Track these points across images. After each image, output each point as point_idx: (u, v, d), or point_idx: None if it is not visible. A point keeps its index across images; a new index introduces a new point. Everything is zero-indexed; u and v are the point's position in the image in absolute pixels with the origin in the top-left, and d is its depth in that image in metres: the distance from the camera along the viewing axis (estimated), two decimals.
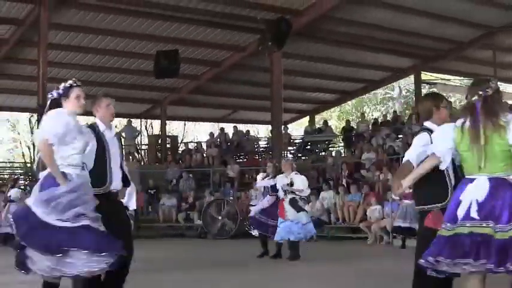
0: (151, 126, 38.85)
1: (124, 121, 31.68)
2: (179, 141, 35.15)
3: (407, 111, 31.87)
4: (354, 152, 25.21)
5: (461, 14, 23.91)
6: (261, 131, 39.01)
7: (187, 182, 24.66)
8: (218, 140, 29.56)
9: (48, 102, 6.18)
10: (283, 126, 26.79)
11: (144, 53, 24.38)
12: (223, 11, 21.98)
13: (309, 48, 25.85)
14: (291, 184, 12.67)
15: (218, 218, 20.88)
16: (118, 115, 32.37)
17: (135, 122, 31.06)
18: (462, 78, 33.40)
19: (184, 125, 42.70)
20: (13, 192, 19.73)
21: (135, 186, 11.40)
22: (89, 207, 5.77)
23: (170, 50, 22.33)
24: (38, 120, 21.30)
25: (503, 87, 32.17)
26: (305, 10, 22.33)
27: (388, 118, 29.40)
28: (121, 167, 6.82)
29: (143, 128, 35.13)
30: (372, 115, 41.10)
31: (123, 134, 29.22)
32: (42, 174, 6.04)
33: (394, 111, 32.36)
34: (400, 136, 24.67)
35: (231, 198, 22.47)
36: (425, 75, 31.68)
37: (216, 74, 27.50)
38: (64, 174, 5.82)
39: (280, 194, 12.94)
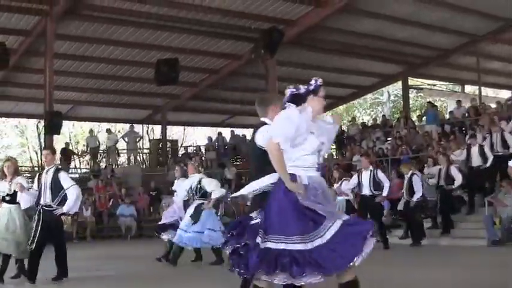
0: (153, 131, 38.99)
1: (126, 126, 32.29)
2: (179, 145, 35.79)
3: (395, 115, 31.86)
4: (344, 154, 25.81)
5: (446, 23, 24.63)
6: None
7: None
8: (216, 143, 30.22)
9: (289, 96, 5.55)
10: None
11: (145, 62, 24.88)
12: (220, 21, 22.51)
13: (302, 56, 26.48)
14: (199, 188, 11.68)
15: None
16: (120, 120, 33.64)
17: (137, 127, 31.51)
18: (448, 83, 34.23)
19: (184, 129, 43.04)
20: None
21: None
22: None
23: (170, 58, 22.61)
24: (45, 126, 22.24)
25: (487, 92, 32.99)
26: (298, 20, 22.90)
27: (377, 122, 29.77)
28: None
29: (145, 133, 35.57)
30: (362, 119, 41.34)
31: (126, 139, 30.10)
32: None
33: (383, 115, 32.42)
34: (389, 139, 25.14)
35: (229, 199, 22.62)
36: (412, 81, 32.37)
37: (214, 81, 28.08)
38: (293, 177, 5.32)
39: (180, 197, 12.34)
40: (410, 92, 32.64)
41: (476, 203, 16.62)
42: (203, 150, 30.35)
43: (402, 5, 22.84)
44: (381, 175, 14.82)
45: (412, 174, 15.79)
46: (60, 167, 10.39)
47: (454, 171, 16.15)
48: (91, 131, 31.69)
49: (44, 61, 22.00)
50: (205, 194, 11.71)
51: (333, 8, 21.95)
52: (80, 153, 33.51)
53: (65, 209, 9.60)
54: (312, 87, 5.53)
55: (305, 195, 5.23)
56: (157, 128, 35.09)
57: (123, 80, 27.40)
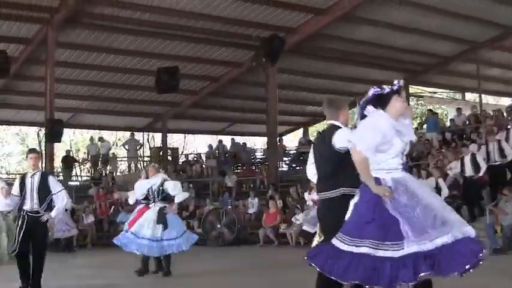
0: (153, 139, 38.32)
1: (127, 134, 32.28)
2: (180, 153, 35.68)
3: None
4: None
5: (446, 30, 24.72)
6: (258, 143, 39.35)
7: (188, 191, 25.09)
8: (217, 151, 30.16)
9: (372, 97, 5.50)
10: (278, 138, 27.29)
11: (146, 70, 24.89)
12: (220, 29, 22.59)
13: (302, 64, 26.55)
14: (161, 190, 11.37)
15: (217, 225, 21.30)
16: (121, 128, 33.69)
17: (138, 135, 31.53)
18: (448, 91, 34.20)
19: (185, 137, 42.80)
20: None
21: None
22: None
23: (170, 66, 22.56)
24: (46, 134, 22.28)
25: (487, 99, 32.98)
26: (298, 28, 23.01)
27: None
28: None
29: (145, 140, 35.45)
30: None
31: (127, 147, 30.13)
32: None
33: None
34: None
35: (229, 207, 22.79)
36: (413, 89, 32.40)
37: (214, 89, 28.11)
38: (377, 180, 5.30)
39: (136, 196, 12.08)
40: (410, 99, 32.65)
41: (477, 213, 16.53)
42: (204, 158, 30.28)
43: (402, 12, 22.90)
44: None
45: None
46: (45, 171, 10.05)
47: (442, 183, 16.09)
48: (91, 139, 31.68)
49: (45, 69, 22.12)
50: (166, 197, 11.42)
51: (333, 16, 22.04)
52: (80, 161, 33.51)
53: (53, 214, 9.17)
54: (395, 87, 5.47)
55: (391, 197, 5.21)
56: (158, 136, 34.97)
57: (124, 88, 27.43)
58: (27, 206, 9.07)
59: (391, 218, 5.14)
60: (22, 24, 21.14)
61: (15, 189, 9.22)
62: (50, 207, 9.15)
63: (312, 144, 6.71)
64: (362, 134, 5.34)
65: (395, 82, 5.50)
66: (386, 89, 5.45)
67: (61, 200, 9.21)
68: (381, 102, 5.46)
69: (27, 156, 9.66)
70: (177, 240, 11.27)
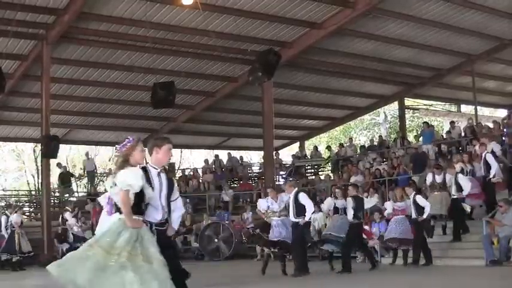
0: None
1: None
2: (176, 168, 35.64)
3: (392, 136, 31.95)
4: (342, 175, 25.76)
5: (442, 43, 24.84)
6: (254, 157, 39.41)
7: (185, 207, 25.14)
8: (213, 166, 30.17)
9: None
10: (274, 152, 27.27)
11: (142, 85, 24.92)
12: (216, 44, 22.46)
13: (298, 77, 26.66)
14: None
15: (215, 240, 21.35)
16: (117, 144, 33.54)
17: None
18: (444, 103, 34.30)
19: (181, 152, 42.87)
20: (13, 218, 19.93)
21: None
22: None
23: (166, 81, 22.25)
24: (42, 150, 22.20)
25: (483, 111, 33.06)
26: (294, 42, 23.05)
27: (374, 143, 29.72)
28: None
29: None
30: (359, 140, 41.28)
31: None
32: None
33: (380, 136, 32.57)
34: (385, 160, 25.13)
35: (227, 222, 22.76)
36: (408, 101, 32.47)
37: (210, 103, 28.09)
38: None
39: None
40: (406, 112, 32.73)
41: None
42: (200, 172, 30.23)
43: (397, 25, 22.99)
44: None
45: (415, 195, 15.70)
46: None
47: (421, 201, 15.74)
48: (87, 154, 31.71)
49: (40, 85, 22.05)
50: None
51: (328, 29, 22.01)
52: (77, 177, 33.47)
53: None
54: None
55: None
56: None
57: (120, 103, 27.41)
58: None
59: None
60: (17, 41, 21.10)
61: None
62: None
63: None
64: None
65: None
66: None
67: None
68: None
69: None
70: None
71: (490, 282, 11.22)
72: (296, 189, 14.50)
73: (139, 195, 6.40)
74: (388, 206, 16.92)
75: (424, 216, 15.33)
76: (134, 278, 5.86)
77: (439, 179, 16.82)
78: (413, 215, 15.52)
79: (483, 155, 17.06)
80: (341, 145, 30.44)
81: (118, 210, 6.36)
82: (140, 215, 6.40)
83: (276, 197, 14.71)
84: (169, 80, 22.59)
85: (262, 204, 15.31)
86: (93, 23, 20.60)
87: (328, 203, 16.29)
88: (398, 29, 23.26)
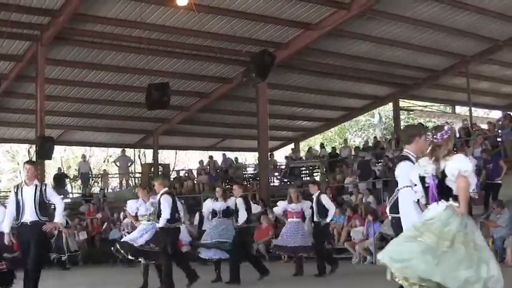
0: (144, 155, 38.47)
1: (118, 151, 32.21)
2: (171, 169, 35.49)
3: (387, 137, 31.97)
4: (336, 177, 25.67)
5: (436, 44, 24.84)
6: (249, 158, 39.38)
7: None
8: (208, 167, 30.01)
9: None
10: (269, 153, 27.26)
11: (136, 86, 24.87)
12: (210, 45, 22.59)
13: (292, 78, 26.66)
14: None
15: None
16: (112, 145, 33.59)
17: (129, 152, 31.51)
18: (438, 104, 34.30)
19: (176, 153, 42.89)
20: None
21: None
22: None
23: (161, 82, 22.01)
24: (36, 152, 22.16)
25: (477, 112, 33.09)
26: (288, 43, 23.08)
27: (369, 144, 29.56)
28: None
29: (136, 157, 35.41)
30: (354, 141, 41.21)
31: (117, 163, 30.09)
32: None
33: (375, 137, 32.56)
34: (381, 161, 24.99)
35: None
36: (403, 103, 32.47)
37: (205, 104, 28.07)
38: None
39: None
40: (401, 113, 32.73)
41: None
42: (195, 174, 30.18)
43: (392, 27, 23.01)
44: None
45: (320, 194, 14.43)
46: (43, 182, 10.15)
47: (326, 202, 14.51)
48: (83, 156, 31.75)
49: (35, 86, 22.04)
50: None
51: (323, 30, 22.04)
52: (72, 178, 33.45)
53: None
54: None
55: None
56: (149, 152, 34.93)
57: (114, 104, 27.37)
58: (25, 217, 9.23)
59: None
60: (12, 42, 21.08)
61: (12, 200, 9.39)
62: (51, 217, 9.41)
63: None
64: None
65: None
66: None
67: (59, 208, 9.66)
68: None
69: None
70: None
71: None
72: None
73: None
74: (281, 205, 15.35)
75: (328, 219, 14.07)
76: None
77: None
78: (315, 218, 13.98)
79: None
80: (333, 148, 30.51)
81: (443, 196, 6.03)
82: None
83: (147, 198, 12.50)
84: (164, 81, 22.35)
85: (131, 205, 12.93)
86: (88, 24, 20.61)
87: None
88: (393, 30, 23.28)
